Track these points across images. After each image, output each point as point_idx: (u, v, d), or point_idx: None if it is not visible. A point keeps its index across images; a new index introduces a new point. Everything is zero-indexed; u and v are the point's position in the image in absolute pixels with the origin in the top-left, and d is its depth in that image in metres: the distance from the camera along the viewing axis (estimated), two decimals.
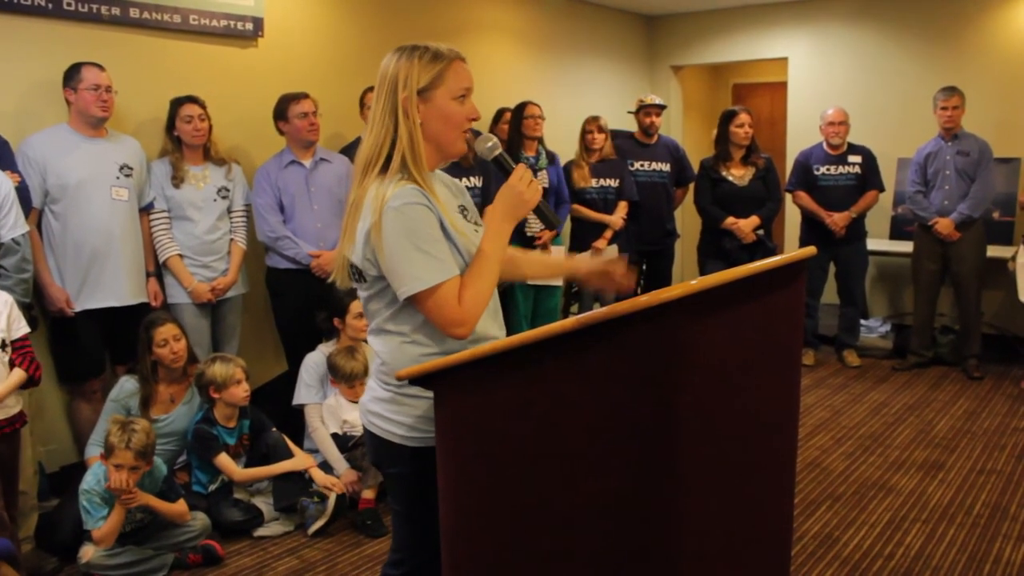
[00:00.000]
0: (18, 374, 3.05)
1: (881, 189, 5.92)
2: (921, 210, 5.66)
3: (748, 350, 1.79)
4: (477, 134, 2.09)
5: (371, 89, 4.63)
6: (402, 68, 1.90)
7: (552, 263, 2.18)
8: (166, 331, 3.65)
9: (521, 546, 1.74)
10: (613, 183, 5.49)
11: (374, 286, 1.93)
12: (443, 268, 1.82)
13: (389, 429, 1.97)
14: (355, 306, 3.99)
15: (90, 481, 3.26)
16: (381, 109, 1.91)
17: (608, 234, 5.44)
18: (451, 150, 1.97)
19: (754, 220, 5.53)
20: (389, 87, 1.90)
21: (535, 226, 5.10)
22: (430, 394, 1.85)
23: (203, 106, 4.05)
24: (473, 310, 1.84)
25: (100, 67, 3.71)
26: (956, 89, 5.56)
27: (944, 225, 5.52)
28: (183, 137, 4.02)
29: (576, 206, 5.41)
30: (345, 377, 3.88)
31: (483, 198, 4.69)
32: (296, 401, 4.01)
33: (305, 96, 4.27)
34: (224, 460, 3.64)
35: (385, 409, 1.98)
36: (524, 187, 1.91)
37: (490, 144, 2.00)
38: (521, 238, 5.08)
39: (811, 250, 2.04)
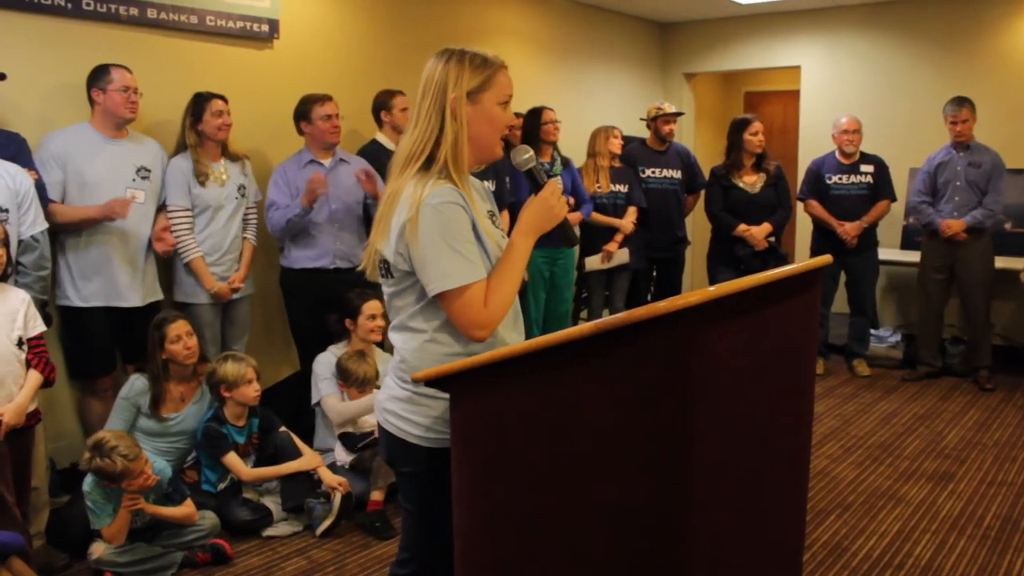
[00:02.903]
0: (35, 377, 3.07)
1: (893, 199, 5.91)
2: (926, 219, 5.64)
3: (764, 358, 1.80)
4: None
5: (397, 93, 4.65)
6: (452, 70, 1.92)
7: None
8: (179, 327, 3.65)
9: (534, 549, 1.74)
10: (623, 189, 5.51)
11: (402, 282, 1.95)
12: (473, 269, 1.85)
13: (405, 428, 1.98)
14: (367, 308, 4.00)
15: (89, 482, 3.26)
16: (427, 108, 1.93)
17: (619, 237, 5.45)
18: (490, 154, 2.00)
19: (767, 227, 5.53)
20: (438, 87, 1.92)
21: None
22: (447, 395, 1.86)
23: (227, 102, 4.08)
24: (497, 314, 1.87)
25: (128, 69, 3.75)
26: (966, 100, 5.54)
27: (954, 224, 5.44)
28: (209, 132, 4.01)
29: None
30: (356, 382, 3.89)
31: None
32: (315, 399, 4.01)
33: (329, 98, 4.29)
34: (232, 459, 3.65)
35: (401, 408, 1.99)
36: (555, 201, 1.95)
37: (526, 156, 2.02)
38: None
39: (827, 258, 2.05)
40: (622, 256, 5.49)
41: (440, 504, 1.92)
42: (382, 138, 4.67)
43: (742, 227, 5.54)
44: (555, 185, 1.98)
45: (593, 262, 5.48)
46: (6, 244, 3.00)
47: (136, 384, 3.68)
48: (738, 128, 5.63)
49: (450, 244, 1.84)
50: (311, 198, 4.10)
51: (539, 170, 2.03)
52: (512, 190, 4.92)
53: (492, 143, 1.98)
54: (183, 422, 3.72)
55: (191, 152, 4.02)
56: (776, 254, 5.55)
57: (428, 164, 1.91)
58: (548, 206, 1.95)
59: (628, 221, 5.47)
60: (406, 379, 1.97)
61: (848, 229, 5.74)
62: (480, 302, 1.85)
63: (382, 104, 4.67)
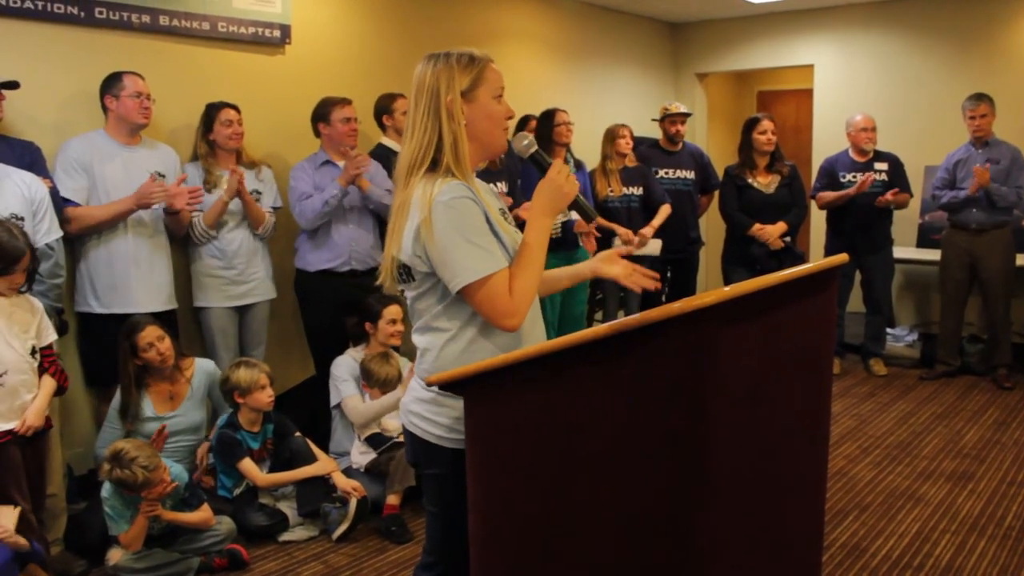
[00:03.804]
0: (50, 382, 3.09)
1: (911, 193, 5.87)
2: (949, 198, 5.56)
3: (780, 358, 1.78)
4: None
5: (400, 96, 4.65)
6: (441, 73, 1.93)
7: (575, 269, 2.30)
8: (148, 335, 3.59)
9: (549, 553, 1.74)
10: (637, 191, 5.48)
11: (423, 284, 1.96)
12: (493, 259, 1.86)
13: (428, 430, 1.99)
14: (387, 312, 4.00)
15: (108, 489, 3.27)
16: (422, 114, 1.94)
17: (656, 222, 5.39)
18: (494, 148, 2.02)
19: (781, 226, 5.49)
20: (429, 92, 1.93)
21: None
22: None
23: (239, 111, 4.12)
24: (523, 301, 1.88)
25: (140, 76, 3.77)
26: (984, 96, 5.50)
27: (981, 172, 5.34)
28: (220, 141, 4.08)
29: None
30: (380, 383, 3.89)
31: None
32: (334, 401, 4.02)
33: (348, 101, 4.33)
34: (248, 465, 3.65)
35: (425, 409, 2.00)
36: (563, 180, 1.95)
37: (526, 142, 2.05)
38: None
39: (843, 257, 2.03)
40: (654, 247, 5.42)
41: (463, 505, 1.92)
42: (387, 141, 4.68)
43: (756, 226, 5.51)
44: (561, 164, 1.97)
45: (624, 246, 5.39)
46: (28, 270, 3.00)
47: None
48: (748, 127, 5.63)
49: (466, 237, 1.84)
50: (350, 177, 4.13)
51: (542, 153, 2.04)
52: (523, 190, 4.91)
53: (495, 137, 1.99)
54: (183, 419, 3.71)
55: (202, 161, 4.09)
56: (792, 253, 5.52)
57: (433, 168, 1.93)
58: (556, 186, 1.95)
59: (660, 220, 5.43)
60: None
61: (887, 197, 5.66)
62: (504, 291, 1.85)
63: (383, 108, 4.68)
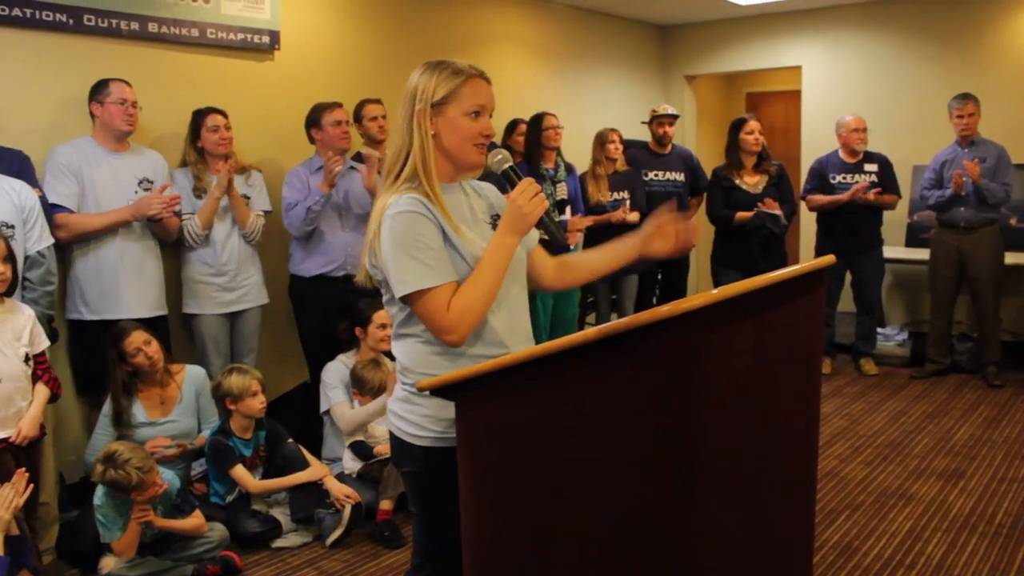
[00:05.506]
0: (44, 390, 3.09)
1: (899, 195, 5.90)
2: (935, 199, 5.61)
3: (769, 359, 1.79)
4: (493, 147, 2.11)
5: (368, 102, 4.66)
6: (421, 82, 1.96)
7: (619, 248, 2.25)
8: (135, 339, 3.59)
9: (542, 555, 1.74)
10: (625, 196, 5.48)
11: (388, 291, 1.99)
12: (430, 274, 1.86)
13: (402, 428, 2.02)
14: (377, 317, 4.00)
15: (100, 496, 3.26)
16: (401, 120, 1.98)
17: (627, 204, 5.38)
18: (464, 162, 2.01)
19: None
20: (408, 99, 1.97)
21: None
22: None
23: (226, 116, 4.11)
24: (461, 319, 1.87)
25: (127, 83, 3.77)
26: (970, 96, 5.54)
27: (972, 167, 5.37)
28: (208, 147, 4.08)
29: (593, 217, 5.39)
30: (372, 390, 3.88)
31: None
32: (323, 407, 4.01)
33: (339, 105, 4.35)
34: (240, 472, 3.64)
35: (401, 408, 2.02)
36: (524, 201, 1.92)
37: (499, 158, 2.04)
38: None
39: (830, 259, 2.04)
40: (635, 216, 5.36)
41: (440, 505, 1.94)
42: (365, 149, 4.68)
43: (740, 214, 5.51)
44: (527, 184, 1.94)
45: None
46: (11, 260, 3.00)
47: None
48: (735, 128, 5.64)
49: (407, 251, 1.86)
50: (331, 179, 4.15)
51: (514, 171, 2.03)
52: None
53: (463, 152, 1.98)
54: (175, 424, 3.70)
55: (192, 168, 4.09)
56: (774, 219, 5.44)
57: (400, 175, 1.96)
58: (517, 207, 1.92)
59: (635, 214, 5.37)
60: (405, 380, 2.00)
61: (868, 196, 5.67)
62: (442, 307, 1.86)
63: (354, 116, 4.66)
